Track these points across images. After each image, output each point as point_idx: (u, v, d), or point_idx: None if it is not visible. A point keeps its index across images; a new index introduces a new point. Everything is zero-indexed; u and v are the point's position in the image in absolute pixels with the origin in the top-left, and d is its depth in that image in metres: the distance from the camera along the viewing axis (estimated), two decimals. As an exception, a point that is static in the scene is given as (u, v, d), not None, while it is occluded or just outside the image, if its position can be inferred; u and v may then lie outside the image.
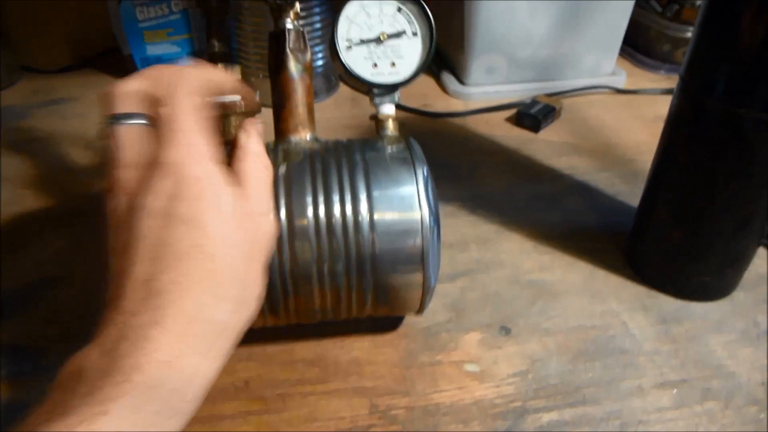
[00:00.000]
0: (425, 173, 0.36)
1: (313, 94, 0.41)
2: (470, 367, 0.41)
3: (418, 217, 0.35)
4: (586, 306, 0.46)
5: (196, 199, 0.28)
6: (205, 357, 0.26)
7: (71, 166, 0.61)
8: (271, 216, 0.31)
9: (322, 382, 0.40)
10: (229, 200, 0.29)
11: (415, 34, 0.39)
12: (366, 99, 0.72)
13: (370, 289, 0.36)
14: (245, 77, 0.71)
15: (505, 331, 0.44)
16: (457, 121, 0.70)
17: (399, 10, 0.39)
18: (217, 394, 0.38)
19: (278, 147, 0.38)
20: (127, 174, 0.29)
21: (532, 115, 0.67)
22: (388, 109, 0.40)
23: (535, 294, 0.47)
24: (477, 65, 0.73)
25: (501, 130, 0.68)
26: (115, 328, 0.25)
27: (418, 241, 0.35)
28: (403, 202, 0.35)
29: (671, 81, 0.80)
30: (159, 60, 0.75)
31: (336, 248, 0.34)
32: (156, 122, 0.29)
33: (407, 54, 0.39)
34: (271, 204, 0.31)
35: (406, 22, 0.39)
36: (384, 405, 0.38)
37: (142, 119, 0.30)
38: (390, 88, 0.40)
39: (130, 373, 0.24)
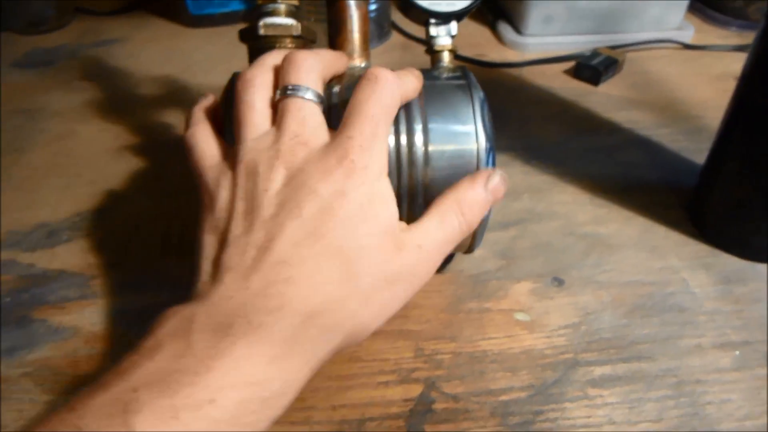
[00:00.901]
0: (482, 98, 0.35)
1: (368, 23, 0.39)
2: (520, 316, 0.39)
3: (474, 147, 0.33)
4: (643, 261, 0.44)
5: (364, 212, 0.28)
6: (306, 363, 0.26)
7: (121, 102, 0.61)
8: (426, 276, 0.30)
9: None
10: (393, 224, 0.29)
11: None
12: (417, 47, 0.71)
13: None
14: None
15: (558, 282, 0.42)
16: (513, 71, 0.67)
17: None
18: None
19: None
20: (298, 149, 0.29)
21: (592, 67, 0.64)
22: (444, 41, 0.39)
23: (590, 246, 0.45)
24: (535, 14, 0.70)
25: (558, 82, 0.65)
26: (234, 301, 0.25)
27: (473, 168, 0.33)
28: (459, 131, 0.33)
29: (742, 37, 0.76)
30: (210, 2, 0.74)
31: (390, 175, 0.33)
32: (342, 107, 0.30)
33: None
34: (433, 262, 0.31)
35: None
36: (430, 349, 0.37)
37: (319, 98, 0.31)
38: (447, 18, 0.38)
39: (238, 362, 0.24)
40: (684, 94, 0.64)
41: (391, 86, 0.30)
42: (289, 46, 0.38)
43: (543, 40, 0.71)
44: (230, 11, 0.75)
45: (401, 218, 0.33)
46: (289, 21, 0.38)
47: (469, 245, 0.37)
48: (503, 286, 0.42)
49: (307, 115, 0.30)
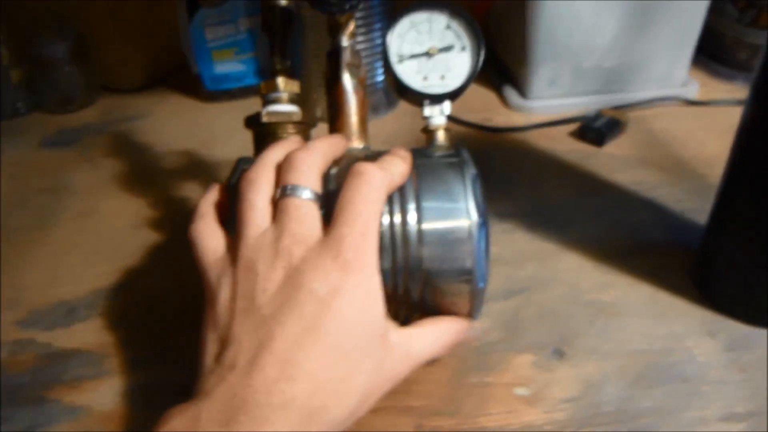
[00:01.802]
0: (474, 175, 0.36)
1: (366, 107, 0.43)
2: (520, 391, 0.40)
3: (467, 224, 0.35)
4: (647, 328, 0.44)
5: (359, 310, 0.30)
6: None
7: (143, 177, 0.64)
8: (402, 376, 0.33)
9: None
10: (380, 326, 0.31)
11: (463, 48, 0.40)
12: (425, 113, 0.73)
13: (417, 301, 0.35)
14: (307, 92, 0.72)
15: (559, 354, 0.42)
16: (518, 135, 0.68)
17: (448, 27, 0.40)
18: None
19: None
20: (295, 248, 0.31)
21: (595, 129, 0.65)
22: (438, 120, 0.41)
23: (593, 314, 0.45)
24: (539, 77, 0.71)
25: (563, 145, 0.66)
26: (238, 398, 0.27)
27: (467, 248, 0.34)
28: (451, 208, 0.35)
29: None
30: (226, 77, 0.77)
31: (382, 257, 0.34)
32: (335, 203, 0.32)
33: (456, 67, 0.40)
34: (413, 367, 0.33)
35: (455, 37, 0.40)
36: (430, 426, 0.38)
37: (315, 196, 0.33)
38: (440, 99, 0.40)
39: None
40: (690, 151, 0.65)
41: (377, 181, 0.32)
42: (290, 131, 0.41)
43: (548, 103, 0.72)
44: (245, 86, 0.78)
45: (398, 294, 0.34)
46: (291, 108, 0.42)
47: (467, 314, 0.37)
48: (504, 359, 0.42)
49: (303, 214, 0.32)
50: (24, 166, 0.68)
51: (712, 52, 0.80)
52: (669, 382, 0.40)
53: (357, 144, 0.42)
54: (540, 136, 0.68)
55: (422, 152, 0.39)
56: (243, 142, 0.40)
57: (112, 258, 0.53)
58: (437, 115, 0.41)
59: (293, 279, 0.30)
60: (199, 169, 0.65)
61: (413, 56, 0.40)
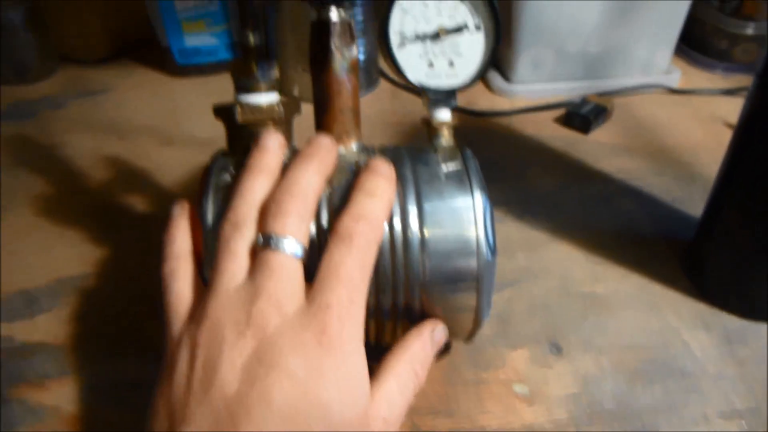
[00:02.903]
0: (483, 198, 0.32)
1: (359, 95, 0.36)
2: (519, 388, 0.38)
3: (474, 238, 0.31)
4: (642, 322, 0.43)
5: (342, 395, 0.26)
6: None
7: (107, 157, 0.60)
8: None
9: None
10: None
11: (478, 28, 0.35)
12: (406, 95, 0.70)
13: (416, 313, 0.32)
14: (284, 71, 0.69)
15: (556, 348, 0.41)
16: (503, 120, 0.67)
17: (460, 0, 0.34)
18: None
19: None
20: (271, 315, 0.26)
21: (582, 116, 0.63)
22: (443, 115, 0.36)
23: (587, 307, 0.44)
24: (523, 60, 0.69)
25: (549, 130, 0.65)
26: None
27: (473, 263, 0.31)
28: (458, 224, 0.31)
29: (728, 81, 0.76)
30: (197, 51, 0.73)
31: (382, 268, 0.31)
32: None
33: (468, 51, 0.35)
34: (398, 418, 0.29)
35: (468, 13, 0.34)
36: (427, 426, 0.36)
37: (302, 251, 0.28)
38: (447, 93, 0.35)
39: None
40: (674, 139, 0.64)
41: (369, 244, 0.28)
42: (270, 126, 0.35)
43: (532, 87, 0.71)
44: (217, 61, 0.74)
45: (395, 308, 0.32)
46: (270, 99, 0.35)
47: (468, 333, 0.35)
48: (500, 354, 0.40)
49: (285, 274, 0.27)
50: (-25, 142, 0.63)
51: (693, 41, 0.80)
52: (667, 378, 0.39)
53: (350, 143, 0.35)
54: (525, 121, 0.66)
55: (424, 159, 0.34)
56: (214, 121, 0.35)
57: (74, 243, 0.49)
58: (442, 109, 0.36)
59: (266, 354, 0.25)
60: (167, 149, 0.62)
61: (417, 37, 0.34)
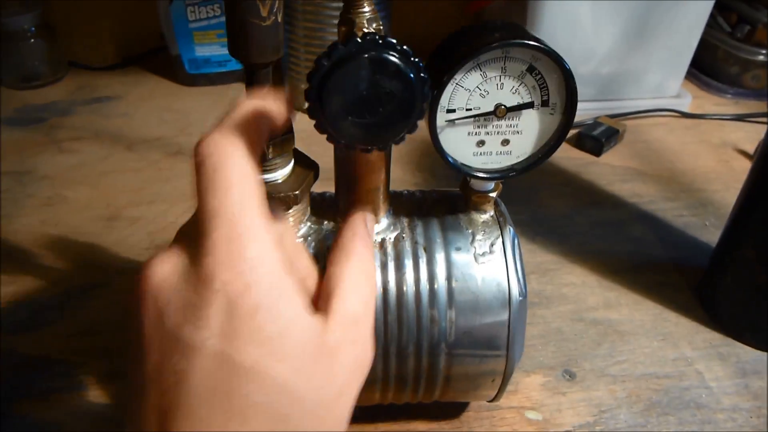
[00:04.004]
0: (519, 293, 0.31)
1: (389, 169, 0.31)
2: (532, 415, 0.37)
3: (504, 339, 0.31)
4: (656, 350, 0.42)
5: (256, 342, 0.20)
6: None
7: (114, 165, 0.60)
8: (368, 343, 0.24)
9: (372, 423, 0.37)
10: (304, 336, 0.21)
11: (545, 103, 0.29)
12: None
13: (440, 374, 0.31)
14: (295, 87, 0.69)
15: (570, 375, 0.40)
16: (513, 138, 0.66)
17: (530, 71, 0.28)
18: None
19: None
20: (164, 290, 0.21)
21: (594, 138, 0.63)
22: (485, 186, 0.32)
23: (601, 334, 0.43)
24: (535, 81, 0.69)
25: (560, 152, 0.63)
26: None
27: (501, 365, 0.31)
28: (489, 328, 0.31)
29: (739, 106, 0.76)
30: (207, 61, 0.73)
31: (407, 326, 0.30)
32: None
33: (529, 129, 0.29)
34: (368, 328, 0.24)
35: (535, 87, 0.28)
36: (439, 452, 0.35)
37: None
38: (496, 179, 0.31)
39: None
40: (685, 164, 0.64)
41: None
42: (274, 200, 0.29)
43: (543, 107, 0.70)
44: (227, 71, 0.74)
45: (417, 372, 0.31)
46: (281, 175, 0.29)
47: (495, 396, 0.34)
48: (514, 379, 0.39)
49: None
50: (-17, 146, 0.62)
51: (704, 65, 0.80)
52: (683, 409, 0.38)
53: (380, 218, 0.31)
54: (536, 141, 0.66)
55: (457, 245, 0.31)
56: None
57: (83, 253, 0.49)
58: (488, 185, 0.32)
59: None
60: (175, 158, 0.61)
61: (469, 115, 0.28)
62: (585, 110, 0.70)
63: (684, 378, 0.41)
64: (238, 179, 0.22)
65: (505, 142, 0.29)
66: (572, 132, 0.67)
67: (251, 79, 0.27)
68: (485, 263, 0.31)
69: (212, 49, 0.72)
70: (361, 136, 0.25)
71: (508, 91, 0.28)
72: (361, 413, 0.35)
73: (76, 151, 0.62)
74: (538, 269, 0.49)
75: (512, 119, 0.29)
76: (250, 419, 0.20)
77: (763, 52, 0.75)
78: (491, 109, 0.28)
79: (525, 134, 0.29)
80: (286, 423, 0.21)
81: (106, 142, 0.63)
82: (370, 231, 0.29)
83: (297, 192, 0.29)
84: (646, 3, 0.65)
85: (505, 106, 0.28)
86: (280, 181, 0.29)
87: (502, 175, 0.30)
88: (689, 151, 0.66)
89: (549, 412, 0.38)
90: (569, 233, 0.53)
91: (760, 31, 0.75)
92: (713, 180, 0.61)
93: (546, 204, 0.57)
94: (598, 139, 0.63)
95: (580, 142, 0.64)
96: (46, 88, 0.74)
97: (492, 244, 0.31)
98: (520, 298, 0.31)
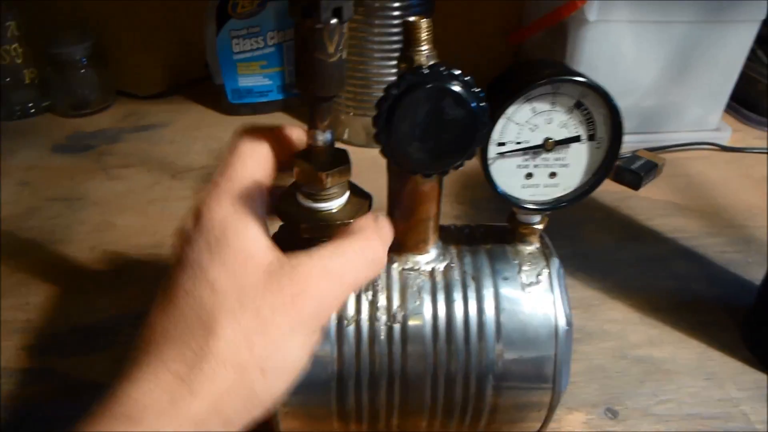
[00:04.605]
0: (567, 323, 0.32)
1: (441, 200, 0.32)
2: (576, 454, 0.37)
3: (551, 369, 0.31)
4: (701, 390, 0.42)
5: (204, 244, 0.26)
6: None
7: (161, 192, 0.61)
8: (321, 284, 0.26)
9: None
10: (259, 256, 0.26)
11: (591, 137, 0.30)
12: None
13: (487, 404, 0.32)
14: (335, 116, 0.70)
15: (612, 413, 0.40)
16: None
17: (577, 106, 0.29)
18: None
19: (392, 262, 0.32)
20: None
21: (633, 171, 0.63)
22: (531, 219, 0.33)
23: (644, 372, 0.43)
24: (574, 113, 0.70)
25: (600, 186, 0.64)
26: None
27: (547, 397, 0.32)
28: (536, 354, 0.31)
29: (780, 139, 0.75)
30: (250, 91, 0.75)
31: (455, 357, 0.31)
32: None
33: (576, 162, 0.30)
34: (323, 297, 0.26)
35: (582, 122, 0.29)
36: (483, 490, 0.35)
37: None
38: (543, 210, 0.32)
39: None
40: (727, 199, 0.63)
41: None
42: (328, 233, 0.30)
43: (581, 139, 0.71)
44: (269, 101, 0.76)
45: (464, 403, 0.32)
46: (336, 205, 0.30)
47: (540, 427, 0.35)
48: (556, 416, 0.39)
49: None
50: (35, 172, 0.65)
51: (744, 98, 0.79)
52: (729, 452, 0.38)
53: (429, 248, 0.32)
54: (574, 173, 0.66)
55: (505, 274, 0.32)
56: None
57: (133, 280, 0.50)
58: (534, 218, 0.33)
59: None
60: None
61: (520, 149, 0.30)
62: (624, 143, 0.70)
63: (730, 419, 0.40)
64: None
65: (553, 174, 0.31)
66: (611, 165, 0.67)
67: (314, 111, 0.28)
68: (531, 293, 0.32)
69: (255, 80, 0.74)
70: (425, 161, 0.27)
71: (556, 125, 0.30)
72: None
73: (125, 178, 0.64)
74: (580, 304, 0.49)
75: (560, 152, 0.30)
76: (178, 299, 0.25)
77: (805, 85, 0.74)
78: (540, 142, 0.30)
79: (572, 167, 0.31)
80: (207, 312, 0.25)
81: (153, 170, 0.65)
82: (382, 230, 0.29)
83: (352, 220, 0.29)
84: (688, 37, 0.65)
85: (553, 139, 0.30)
86: (335, 210, 0.30)
87: (549, 207, 0.32)
88: (730, 186, 0.66)
89: (593, 451, 0.38)
90: (610, 269, 0.53)
91: (802, 64, 0.74)
92: (756, 215, 0.61)
93: (587, 239, 0.57)
94: (637, 172, 0.63)
95: (618, 176, 0.64)
96: (95, 115, 0.77)
97: (538, 275, 0.32)
98: (567, 328, 0.31)
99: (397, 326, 0.30)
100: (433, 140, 0.26)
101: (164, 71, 0.82)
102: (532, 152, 0.30)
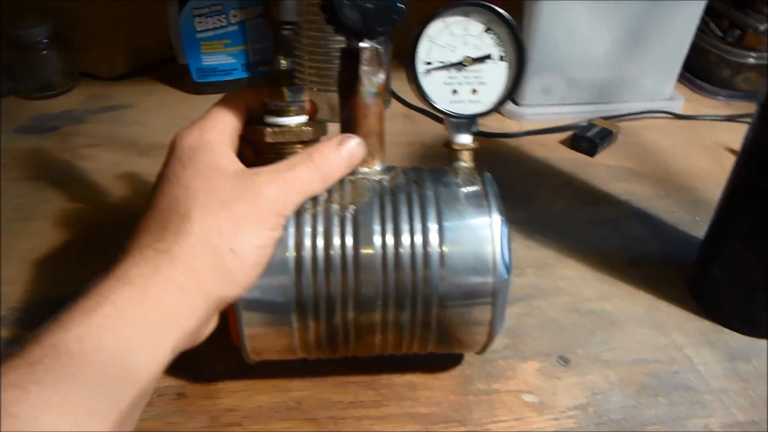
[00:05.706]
0: (501, 219, 0.34)
1: (384, 119, 0.37)
2: (528, 398, 0.39)
3: (491, 255, 0.33)
4: (648, 338, 0.44)
5: (177, 161, 0.32)
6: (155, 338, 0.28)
7: (129, 171, 0.62)
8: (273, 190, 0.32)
9: (375, 407, 0.39)
10: (209, 166, 0.31)
11: (502, 58, 0.36)
12: (419, 116, 0.72)
13: (434, 326, 0.35)
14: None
15: (564, 360, 0.42)
16: (512, 142, 0.69)
17: (487, 30, 0.36)
18: (269, 412, 0.38)
19: (345, 178, 0.36)
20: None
21: (588, 138, 0.65)
22: (464, 139, 0.38)
23: (595, 323, 0.45)
24: (533, 85, 0.72)
25: (556, 153, 0.67)
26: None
27: (490, 280, 0.33)
28: (476, 243, 0.34)
29: (731, 107, 0.78)
30: (214, 70, 0.75)
31: (402, 282, 0.33)
32: None
33: (491, 80, 0.37)
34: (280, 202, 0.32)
35: (494, 44, 0.36)
36: (440, 432, 0.37)
37: None
38: (469, 118, 0.37)
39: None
40: (678, 164, 0.66)
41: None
42: (298, 149, 0.35)
43: (540, 110, 0.73)
44: (233, 79, 0.77)
45: (412, 325, 0.35)
46: (299, 121, 0.35)
47: (482, 346, 0.37)
48: (511, 366, 0.42)
49: None
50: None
51: (696, 69, 0.82)
52: (672, 392, 0.40)
53: (373, 164, 0.37)
54: (533, 143, 0.68)
55: (445, 181, 0.36)
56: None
57: (104, 251, 0.51)
58: (463, 134, 0.38)
59: None
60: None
61: (443, 66, 0.36)
62: (580, 113, 0.72)
63: (674, 363, 0.43)
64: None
65: (474, 91, 0.37)
66: (567, 133, 0.69)
67: (276, 38, 0.35)
68: (468, 192, 0.36)
69: (219, 59, 0.75)
70: (356, 22, 0.33)
71: (471, 47, 0.36)
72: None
73: (91, 158, 0.64)
74: (536, 264, 0.51)
75: (477, 72, 0.37)
76: (156, 201, 0.32)
77: (754, 55, 0.77)
78: (459, 59, 0.36)
79: (489, 85, 0.37)
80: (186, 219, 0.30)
81: (119, 149, 0.66)
82: (349, 151, 0.35)
83: (309, 128, 0.35)
84: (640, 9, 0.67)
85: (470, 57, 0.36)
86: (293, 126, 0.35)
87: (472, 116, 0.37)
88: (682, 152, 0.68)
89: (544, 394, 0.40)
90: (566, 230, 0.55)
91: (751, 35, 0.77)
92: (705, 179, 0.63)
93: (543, 204, 0.59)
94: (592, 139, 0.65)
95: (575, 143, 0.67)
96: (59, 97, 0.77)
97: (473, 182, 0.36)
98: (501, 218, 0.34)
99: (348, 215, 0.34)
100: (363, 7, 0.33)
101: (128, 52, 0.82)
102: (455, 69, 0.36)
